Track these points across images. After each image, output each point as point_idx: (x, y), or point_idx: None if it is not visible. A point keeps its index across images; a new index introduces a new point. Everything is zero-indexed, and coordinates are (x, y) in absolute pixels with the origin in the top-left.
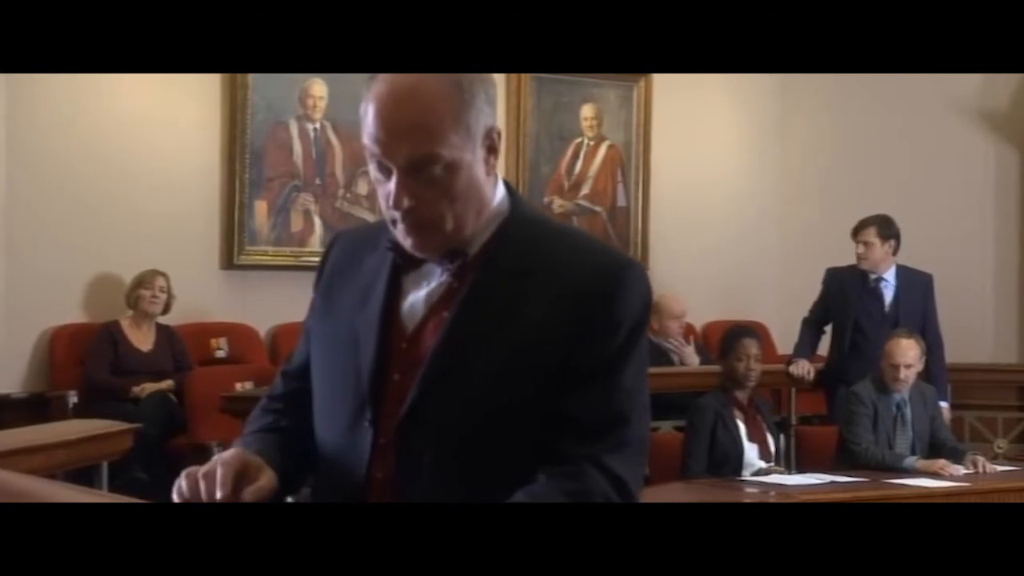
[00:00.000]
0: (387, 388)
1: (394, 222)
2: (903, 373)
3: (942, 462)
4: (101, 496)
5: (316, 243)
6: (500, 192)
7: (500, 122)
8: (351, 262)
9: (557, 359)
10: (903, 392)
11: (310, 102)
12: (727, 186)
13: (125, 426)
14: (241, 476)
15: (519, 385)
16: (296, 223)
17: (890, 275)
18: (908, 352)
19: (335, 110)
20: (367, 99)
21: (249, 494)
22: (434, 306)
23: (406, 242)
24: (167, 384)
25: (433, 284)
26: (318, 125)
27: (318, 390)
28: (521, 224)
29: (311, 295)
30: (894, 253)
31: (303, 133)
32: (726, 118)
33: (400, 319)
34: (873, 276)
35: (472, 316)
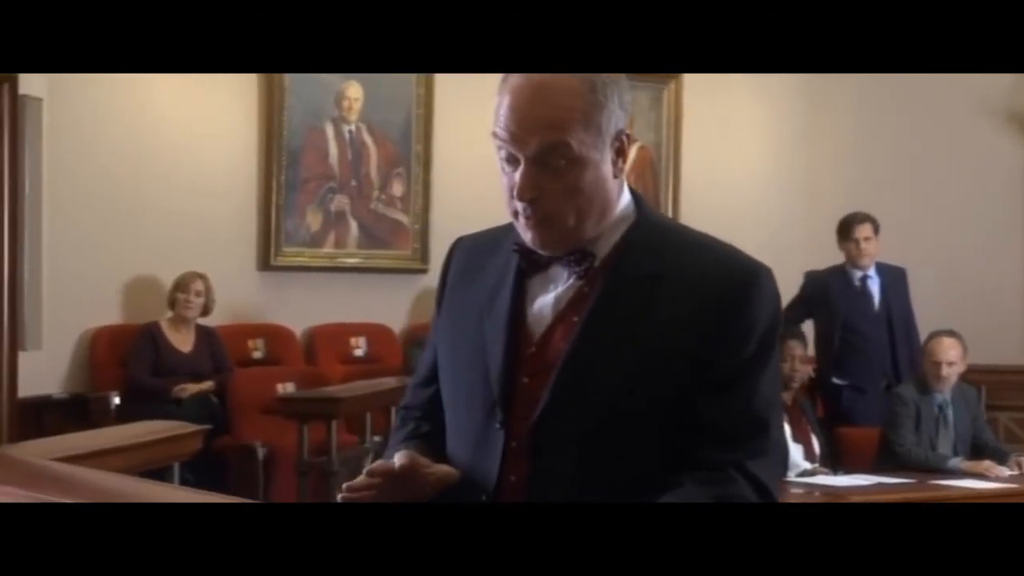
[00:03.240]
0: (516, 391)
1: (516, 215)
2: (945, 371)
3: (987, 463)
4: (205, 496)
5: (351, 244)
6: (626, 197)
7: None
8: (473, 267)
9: (690, 364)
10: (945, 392)
11: (345, 104)
12: (755, 186)
13: (196, 427)
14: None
15: (652, 390)
16: (332, 224)
17: (872, 271)
18: (950, 351)
19: (370, 112)
20: (501, 91)
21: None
22: (563, 311)
23: (526, 236)
24: (208, 385)
25: (560, 288)
26: (353, 127)
27: (447, 395)
28: (648, 229)
29: (346, 296)
30: None
31: (339, 135)
32: (755, 118)
33: (527, 323)
34: (859, 275)
35: (603, 321)
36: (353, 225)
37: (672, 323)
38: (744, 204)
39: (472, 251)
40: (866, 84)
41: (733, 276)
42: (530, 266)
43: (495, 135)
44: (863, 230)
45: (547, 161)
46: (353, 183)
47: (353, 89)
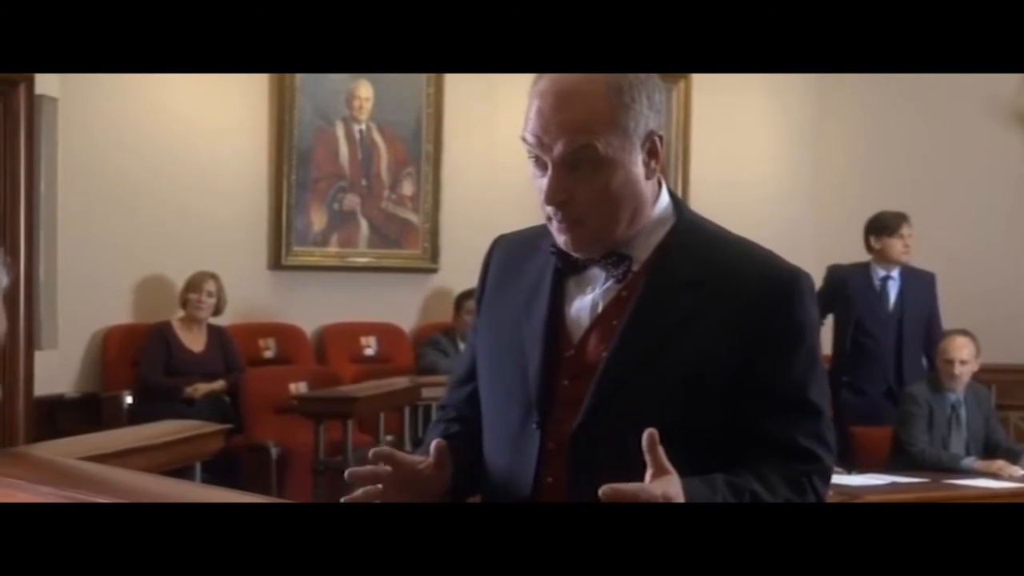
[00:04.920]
0: (555, 394)
1: (549, 218)
2: (958, 369)
3: (1000, 463)
4: (241, 496)
5: (362, 244)
6: (664, 200)
7: None
8: (512, 267)
9: (737, 369)
10: (958, 391)
11: (356, 103)
12: (763, 185)
13: (218, 427)
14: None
15: (696, 395)
16: (342, 224)
17: (896, 273)
18: (963, 349)
19: (380, 111)
20: (530, 96)
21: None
22: (602, 314)
23: (559, 239)
24: (220, 385)
25: (598, 290)
26: (364, 126)
27: (485, 395)
28: (688, 233)
29: (356, 295)
30: None
31: (349, 134)
32: (763, 118)
33: (565, 325)
34: (882, 275)
35: (644, 326)
36: (363, 225)
37: (715, 328)
38: (752, 203)
39: (511, 251)
40: (874, 84)
41: (776, 281)
42: (567, 267)
43: (524, 140)
44: (907, 227)
45: (574, 164)
46: (363, 183)
47: (363, 89)
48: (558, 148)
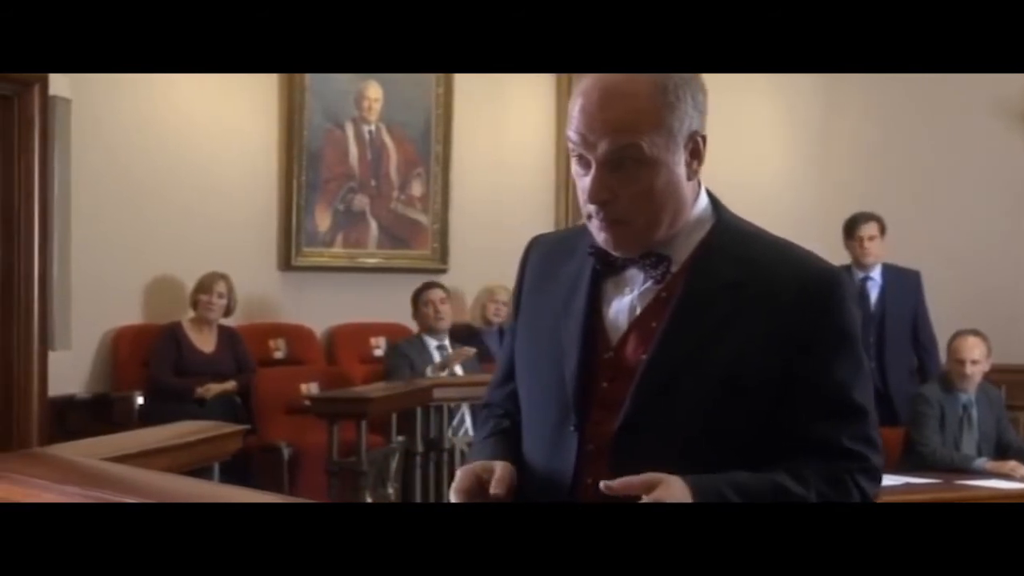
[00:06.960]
0: (594, 396)
1: (590, 217)
2: (969, 369)
3: (1012, 463)
4: (270, 497)
5: (371, 244)
6: (703, 200)
7: (548, 124)
8: (550, 267)
9: (775, 371)
10: (970, 391)
11: (365, 104)
12: (769, 185)
13: (236, 427)
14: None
15: (736, 397)
16: (352, 225)
17: (876, 273)
18: (974, 349)
19: (390, 112)
20: (574, 95)
21: (495, 485)
22: (641, 316)
23: (599, 237)
24: (231, 385)
25: (636, 292)
26: (373, 127)
27: (524, 395)
28: (728, 234)
29: (366, 296)
30: None
31: (359, 135)
32: (769, 118)
33: (604, 326)
34: (861, 275)
35: (685, 327)
36: (373, 225)
37: (755, 330)
38: (758, 203)
39: (548, 252)
40: (880, 83)
41: (817, 282)
42: (605, 268)
43: (568, 138)
44: (868, 229)
45: (618, 164)
46: (373, 183)
47: (373, 89)
48: (602, 147)
